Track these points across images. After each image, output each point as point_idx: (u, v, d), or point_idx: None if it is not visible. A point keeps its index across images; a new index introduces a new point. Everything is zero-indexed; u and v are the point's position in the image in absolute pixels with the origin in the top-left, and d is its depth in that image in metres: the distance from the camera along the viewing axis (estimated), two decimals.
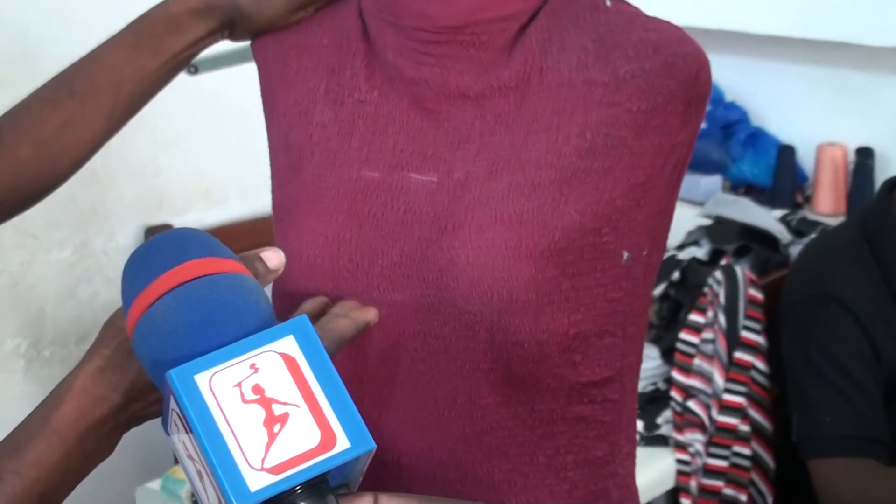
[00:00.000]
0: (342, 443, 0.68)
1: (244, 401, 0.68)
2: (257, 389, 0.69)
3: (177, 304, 0.72)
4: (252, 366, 0.69)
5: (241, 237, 2.56)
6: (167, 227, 2.50)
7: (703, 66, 0.98)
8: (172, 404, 0.69)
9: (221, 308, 0.72)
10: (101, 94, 1.11)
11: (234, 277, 0.74)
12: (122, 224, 2.44)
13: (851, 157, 2.76)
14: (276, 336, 0.70)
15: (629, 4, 1.03)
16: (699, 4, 2.74)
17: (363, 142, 1.05)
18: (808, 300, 1.98)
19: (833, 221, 2.67)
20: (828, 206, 2.76)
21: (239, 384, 0.69)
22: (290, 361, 0.70)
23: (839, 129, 2.78)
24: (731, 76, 2.87)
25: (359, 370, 1.02)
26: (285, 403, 0.68)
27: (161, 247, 0.76)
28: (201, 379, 0.68)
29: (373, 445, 0.70)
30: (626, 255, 1.00)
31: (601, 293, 1.00)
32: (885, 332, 1.89)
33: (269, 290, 1.06)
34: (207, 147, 2.49)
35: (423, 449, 1.01)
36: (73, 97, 1.01)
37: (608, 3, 1.02)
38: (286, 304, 1.04)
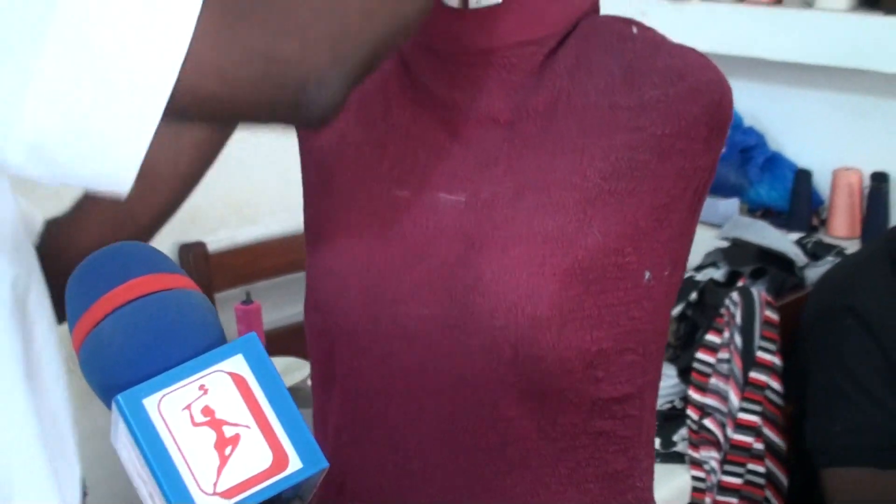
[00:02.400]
0: (294, 463, 0.67)
1: (194, 423, 0.67)
2: (207, 411, 0.67)
3: (121, 326, 0.70)
4: (201, 387, 0.68)
5: (273, 254, 2.60)
6: (200, 244, 2.52)
7: (725, 93, 0.99)
8: (121, 427, 0.67)
9: (167, 328, 0.70)
10: (161, 172, 1.09)
11: (179, 294, 0.72)
12: (154, 241, 2.42)
13: (867, 181, 2.75)
14: (226, 355, 0.69)
15: (655, 31, 1.04)
16: (719, 31, 2.75)
17: (394, 162, 1.05)
18: (827, 312, 1.98)
19: (848, 244, 2.67)
20: (843, 230, 2.75)
21: (188, 406, 0.67)
22: (239, 381, 0.68)
23: (854, 155, 2.78)
24: (749, 102, 2.86)
25: (386, 383, 1.02)
26: (236, 425, 0.67)
27: (103, 263, 0.74)
28: (150, 403, 0.66)
29: (325, 464, 0.69)
30: (648, 275, 1.01)
31: (623, 312, 1.00)
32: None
33: (300, 305, 1.09)
34: (240, 165, 2.47)
35: (446, 458, 1.01)
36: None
37: (635, 31, 1.03)
38: (318, 320, 1.06)
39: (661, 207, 0.99)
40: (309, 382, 1.84)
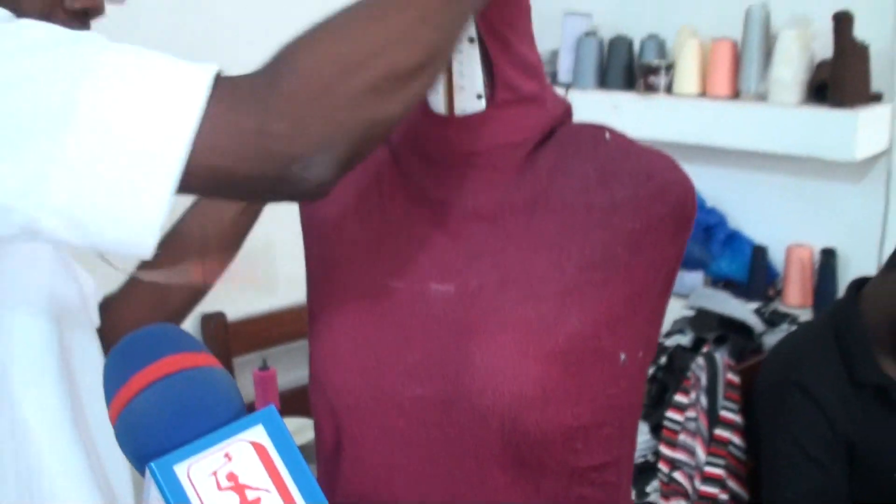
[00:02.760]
0: None
1: (220, 488, 0.68)
2: (231, 477, 0.68)
3: (154, 401, 0.71)
4: (226, 455, 0.69)
5: (286, 322, 2.64)
6: (220, 314, 2.54)
7: (689, 192, 1.00)
8: (153, 492, 0.69)
9: (195, 402, 0.71)
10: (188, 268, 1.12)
11: (206, 371, 0.73)
12: None
13: (817, 256, 2.76)
14: (247, 426, 0.70)
15: (625, 137, 1.05)
16: (684, 122, 2.77)
17: (389, 255, 1.05)
18: (777, 386, 1.96)
19: (801, 313, 2.67)
20: (796, 300, 2.76)
21: (214, 473, 0.68)
22: (260, 450, 0.69)
23: (806, 233, 2.79)
24: (710, 185, 2.90)
25: (387, 452, 1.02)
26: (257, 489, 0.67)
27: (137, 344, 0.75)
28: (180, 469, 0.68)
29: None
30: (623, 356, 1.01)
31: (601, 390, 1.00)
32: (844, 415, 1.88)
33: (305, 379, 1.10)
34: (257, 240, 2.54)
35: None
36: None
37: (608, 136, 1.04)
38: (322, 398, 1.06)
39: (634, 295, 0.99)
40: None
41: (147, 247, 0.79)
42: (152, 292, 1.13)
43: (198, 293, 1.17)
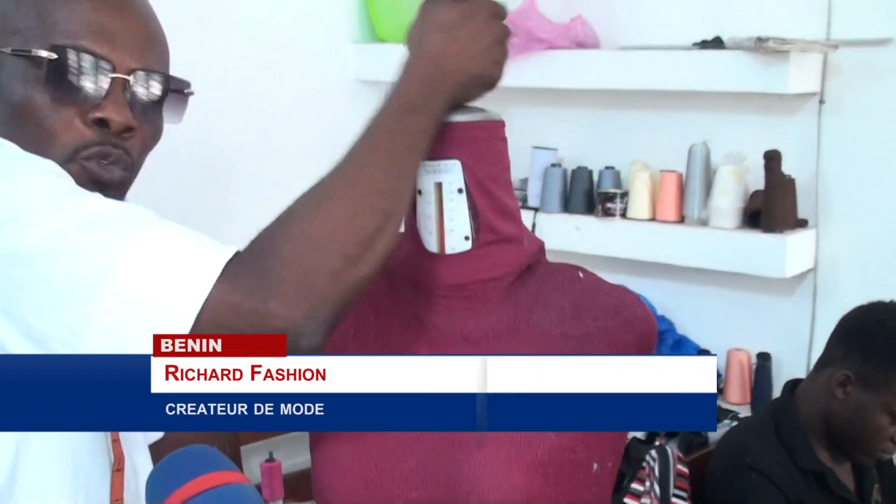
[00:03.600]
0: None
1: None
2: None
3: None
4: None
5: None
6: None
7: (652, 325, 1.01)
8: None
9: None
10: None
11: (236, 488, 0.76)
12: None
13: (754, 359, 2.76)
14: None
15: (596, 276, 1.07)
16: (637, 242, 2.80)
17: None
18: (731, 471, 1.93)
19: (741, 409, 2.67)
20: (736, 398, 2.76)
21: None
22: None
23: (744, 339, 2.80)
24: (660, 296, 2.92)
25: None
26: None
27: (177, 462, 0.78)
28: None
29: None
30: (596, 466, 1.01)
31: (577, 496, 1.00)
32: (795, 492, 1.86)
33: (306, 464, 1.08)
34: None
35: None
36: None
37: (581, 275, 1.06)
38: (323, 498, 1.05)
39: None
40: None
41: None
42: None
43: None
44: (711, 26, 2.75)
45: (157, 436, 1.11)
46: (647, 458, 2.27)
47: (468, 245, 1.02)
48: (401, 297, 1.07)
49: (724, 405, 2.71)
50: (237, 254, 0.85)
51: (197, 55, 2.35)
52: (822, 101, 2.65)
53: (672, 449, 2.29)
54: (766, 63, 2.50)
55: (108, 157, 0.95)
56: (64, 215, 0.82)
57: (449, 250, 1.02)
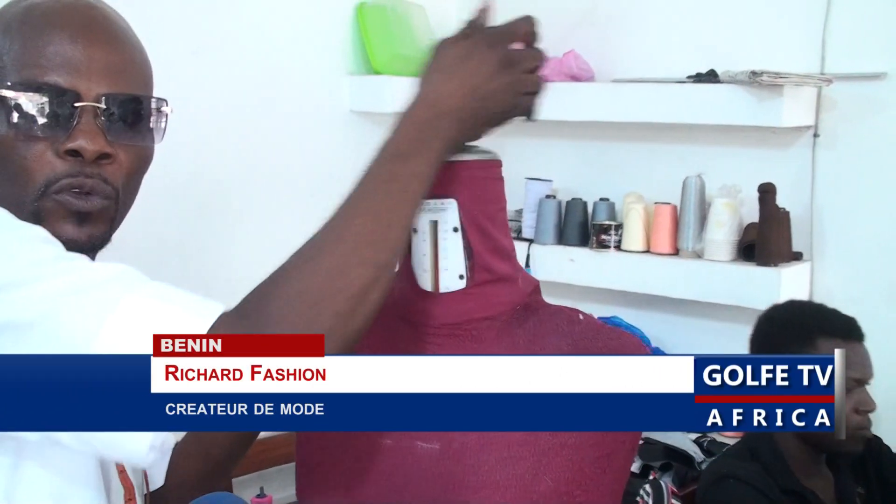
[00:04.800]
0: None
1: None
2: None
3: None
4: None
5: (281, 447, 2.47)
6: None
7: None
8: None
9: None
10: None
11: None
12: None
13: None
14: None
15: (595, 318, 1.06)
16: (631, 275, 2.81)
17: None
18: (714, 480, 1.94)
19: (735, 443, 2.60)
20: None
21: None
22: None
23: None
24: (655, 328, 2.91)
25: None
26: None
27: None
28: None
29: None
30: None
31: None
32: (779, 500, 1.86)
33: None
34: None
35: None
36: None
37: (581, 317, 1.05)
38: None
39: (604, 457, 0.99)
40: None
41: (141, 457, 0.82)
42: (197, 443, 1.09)
43: (239, 445, 1.11)
44: (706, 59, 2.77)
45: (157, 483, 1.09)
46: (641, 492, 2.27)
47: (462, 284, 1.02)
48: (394, 334, 1.06)
49: (719, 439, 2.69)
50: (225, 314, 0.83)
51: (193, 87, 2.37)
52: (816, 135, 2.68)
53: (666, 483, 2.30)
54: (761, 96, 2.53)
55: (82, 188, 0.93)
56: (48, 283, 0.82)
57: (443, 289, 1.02)
